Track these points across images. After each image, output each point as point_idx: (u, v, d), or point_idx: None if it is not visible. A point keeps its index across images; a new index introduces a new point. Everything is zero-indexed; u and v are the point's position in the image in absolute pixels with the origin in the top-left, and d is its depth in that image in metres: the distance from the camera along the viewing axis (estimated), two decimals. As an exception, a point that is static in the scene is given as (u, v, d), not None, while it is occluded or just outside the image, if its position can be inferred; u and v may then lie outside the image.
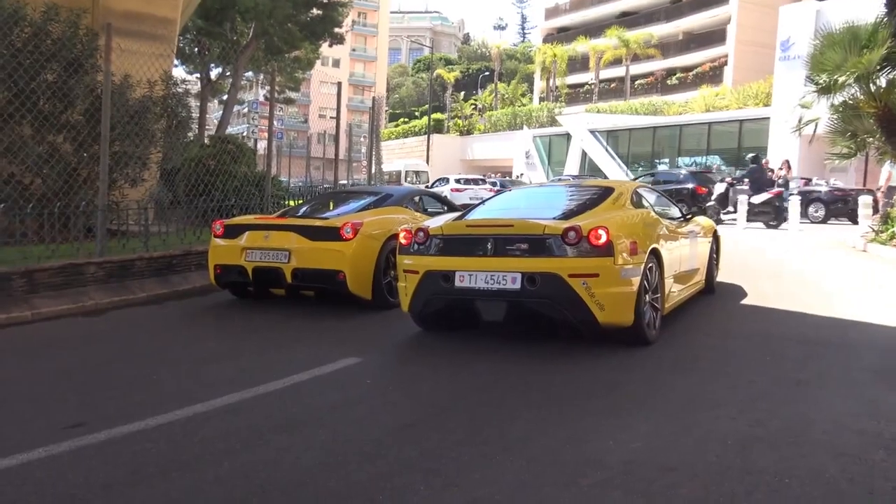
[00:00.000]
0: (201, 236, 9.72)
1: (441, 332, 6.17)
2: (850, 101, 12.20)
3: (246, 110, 57.90)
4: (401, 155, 50.10)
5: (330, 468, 3.33)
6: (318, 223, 7.30)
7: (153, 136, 10.77)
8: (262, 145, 14.27)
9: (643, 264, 5.47)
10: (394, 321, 6.73)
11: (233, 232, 7.59)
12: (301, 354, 5.54)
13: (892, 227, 11.30)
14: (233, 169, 12.31)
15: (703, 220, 7.98)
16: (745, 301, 7.58)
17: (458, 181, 29.92)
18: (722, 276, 8.70)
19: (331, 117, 15.39)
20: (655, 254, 5.76)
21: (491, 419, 3.98)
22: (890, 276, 8.97)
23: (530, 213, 6.04)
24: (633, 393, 4.47)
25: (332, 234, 7.08)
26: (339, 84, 14.34)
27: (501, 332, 6.04)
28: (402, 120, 66.31)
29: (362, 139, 30.97)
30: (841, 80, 11.53)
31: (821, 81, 11.97)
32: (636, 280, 5.36)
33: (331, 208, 8.42)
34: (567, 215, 5.84)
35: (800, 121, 13.26)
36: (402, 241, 5.89)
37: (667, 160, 35.47)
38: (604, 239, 5.16)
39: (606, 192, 6.37)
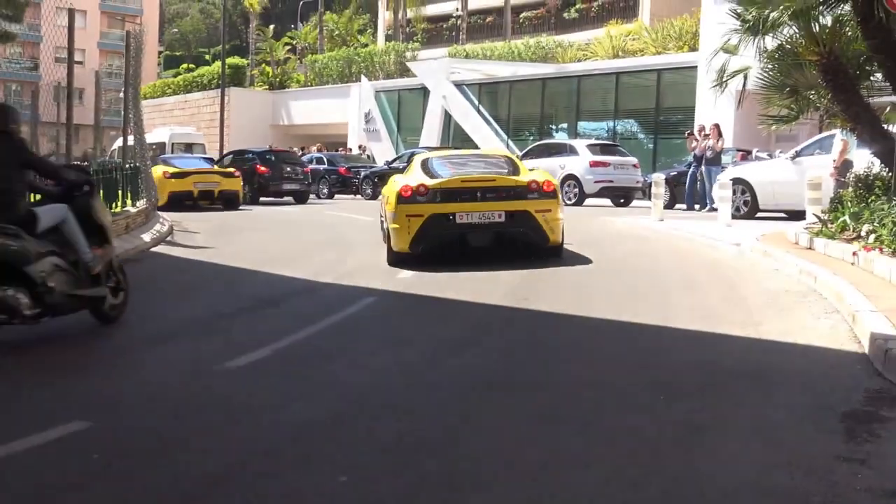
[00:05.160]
0: None
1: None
2: (788, 46, 13.05)
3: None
4: (182, 119, 48.99)
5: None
6: None
7: None
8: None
9: None
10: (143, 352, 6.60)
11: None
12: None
13: (844, 214, 11.90)
14: None
15: None
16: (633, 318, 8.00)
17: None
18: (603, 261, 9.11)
19: (78, 62, 14.80)
20: None
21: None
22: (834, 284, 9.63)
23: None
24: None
25: None
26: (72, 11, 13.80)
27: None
28: (184, 66, 64.94)
29: (122, 95, 29.78)
30: (773, 15, 12.32)
31: (748, 17, 12.75)
32: None
33: None
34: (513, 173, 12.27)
35: (722, 71, 13.95)
36: (404, 194, 11.31)
37: (565, 125, 36.02)
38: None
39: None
